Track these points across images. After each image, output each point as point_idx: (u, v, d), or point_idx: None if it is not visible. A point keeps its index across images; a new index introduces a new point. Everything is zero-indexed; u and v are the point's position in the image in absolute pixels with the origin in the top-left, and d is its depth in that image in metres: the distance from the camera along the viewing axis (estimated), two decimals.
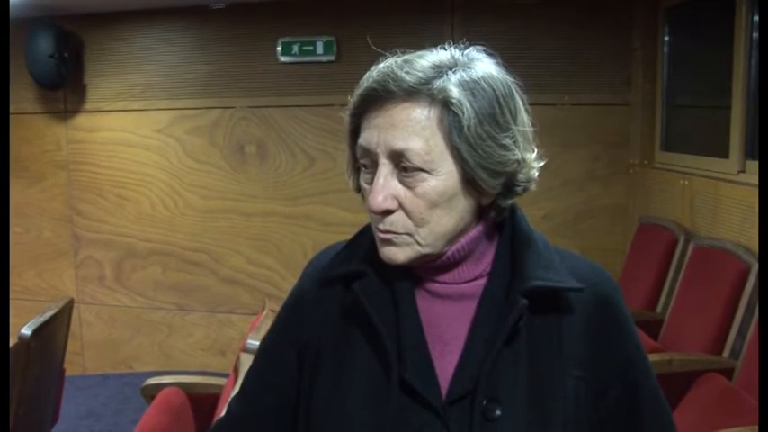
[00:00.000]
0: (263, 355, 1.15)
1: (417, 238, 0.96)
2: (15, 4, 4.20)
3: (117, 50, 4.75)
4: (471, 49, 0.98)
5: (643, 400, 1.03)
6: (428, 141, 0.93)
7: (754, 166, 3.04)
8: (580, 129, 4.25)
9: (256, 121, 4.65)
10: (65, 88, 4.74)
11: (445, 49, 0.98)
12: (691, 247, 3.25)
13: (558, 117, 4.21)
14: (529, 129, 0.99)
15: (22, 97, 4.86)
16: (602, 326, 1.00)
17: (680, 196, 3.57)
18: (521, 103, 0.99)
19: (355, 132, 0.99)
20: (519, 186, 0.99)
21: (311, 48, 4.46)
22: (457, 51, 0.97)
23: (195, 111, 4.71)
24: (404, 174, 0.94)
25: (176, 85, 4.71)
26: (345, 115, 1.00)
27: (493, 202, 0.99)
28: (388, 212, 0.96)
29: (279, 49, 4.50)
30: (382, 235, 0.97)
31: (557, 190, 4.31)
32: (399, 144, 0.93)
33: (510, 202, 1.00)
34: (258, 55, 4.57)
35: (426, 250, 0.97)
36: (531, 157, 0.99)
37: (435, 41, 1.01)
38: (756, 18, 3.03)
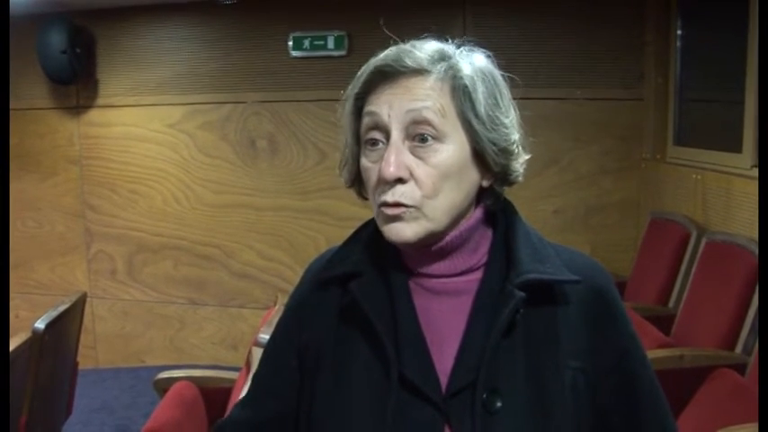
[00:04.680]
0: (265, 360, 1.16)
1: (425, 210, 0.96)
2: (28, 1, 4.22)
3: (129, 46, 4.77)
4: (466, 45, 1.02)
5: (640, 389, 1.04)
6: (444, 107, 0.95)
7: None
8: (592, 123, 4.23)
9: (268, 116, 4.65)
10: (77, 83, 4.76)
11: (444, 42, 1.01)
12: (703, 242, 3.23)
13: (569, 111, 4.20)
14: (517, 117, 1.02)
15: (35, 93, 4.89)
16: (598, 317, 1.02)
17: (692, 191, 3.55)
18: (509, 97, 1.03)
19: (356, 114, 1.02)
20: (512, 174, 1.02)
21: (322, 42, 4.46)
22: (453, 45, 1.01)
23: (207, 105, 4.72)
24: (417, 144, 0.96)
25: (188, 80, 4.72)
26: (347, 97, 1.03)
27: (491, 186, 1.02)
28: (400, 182, 0.96)
29: (290, 43, 4.50)
30: (390, 210, 0.97)
31: (568, 185, 4.29)
32: (417, 104, 0.95)
33: (504, 189, 1.03)
34: (269, 50, 4.57)
35: (432, 225, 0.97)
36: (521, 148, 1.02)
37: (447, 36, 1.03)
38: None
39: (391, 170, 0.94)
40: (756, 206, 2.89)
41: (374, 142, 0.98)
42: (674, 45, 3.98)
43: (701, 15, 3.84)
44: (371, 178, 0.99)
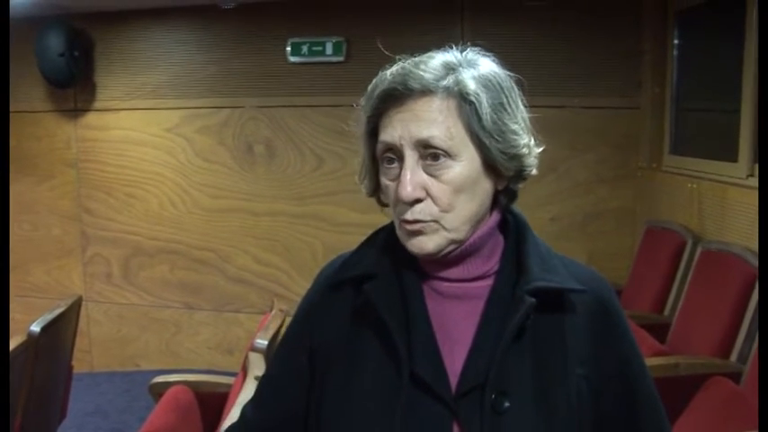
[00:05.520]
0: (275, 362, 1.20)
1: (444, 223, 1.00)
2: (26, 3, 4.22)
3: (127, 49, 4.77)
4: (470, 50, 1.05)
5: (640, 396, 1.08)
6: (450, 129, 0.98)
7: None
8: (589, 132, 4.25)
9: (265, 121, 4.66)
10: (75, 86, 4.76)
11: (448, 51, 1.04)
12: (698, 250, 3.24)
13: (566, 120, 4.21)
14: (527, 116, 1.06)
15: (33, 95, 4.89)
16: (602, 327, 1.06)
17: (688, 200, 3.56)
18: (519, 93, 1.06)
19: (372, 133, 1.04)
20: (525, 171, 1.05)
21: (320, 48, 4.47)
22: (458, 53, 1.04)
23: (204, 110, 4.72)
24: (429, 163, 0.99)
25: (186, 85, 4.72)
26: (361, 117, 1.05)
27: (506, 186, 1.06)
28: (417, 201, 1.00)
29: (288, 49, 4.51)
30: (410, 226, 1.01)
31: (565, 192, 4.30)
32: (424, 133, 0.98)
33: (520, 186, 1.07)
34: (268, 55, 4.58)
35: (453, 236, 1.01)
36: (532, 142, 1.05)
37: (446, 43, 1.05)
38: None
39: (408, 191, 0.99)
40: (752, 215, 2.90)
41: (390, 160, 1.02)
42: (671, 54, 4.00)
43: (697, 24, 3.86)
44: (391, 195, 1.03)
